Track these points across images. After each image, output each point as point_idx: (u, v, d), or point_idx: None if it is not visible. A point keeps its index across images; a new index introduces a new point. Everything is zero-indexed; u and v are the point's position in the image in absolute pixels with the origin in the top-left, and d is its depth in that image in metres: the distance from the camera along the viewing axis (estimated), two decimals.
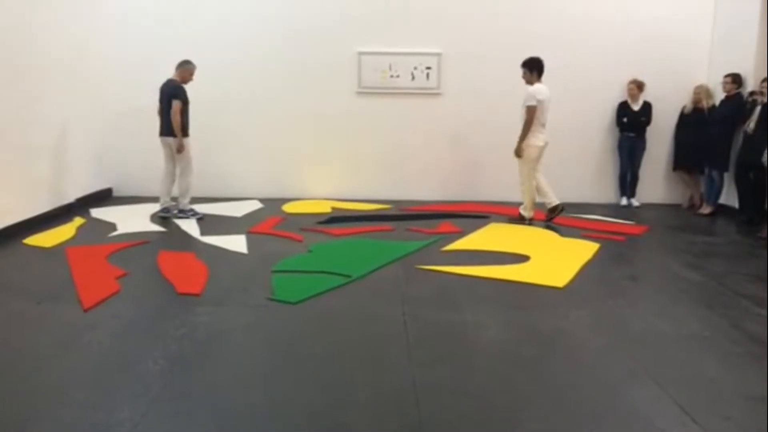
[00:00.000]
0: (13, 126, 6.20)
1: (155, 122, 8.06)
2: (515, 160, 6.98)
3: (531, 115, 6.72)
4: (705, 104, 7.79)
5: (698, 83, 7.94)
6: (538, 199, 7.11)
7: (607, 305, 4.47)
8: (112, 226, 6.59)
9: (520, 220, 7.06)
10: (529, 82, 6.85)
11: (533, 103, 6.71)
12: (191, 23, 8.03)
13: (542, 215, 7.10)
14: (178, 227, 6.63)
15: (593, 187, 8.47)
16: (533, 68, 6.82)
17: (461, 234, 6.44)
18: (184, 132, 6.90)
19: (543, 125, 6.89)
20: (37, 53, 6.58)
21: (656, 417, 2.92)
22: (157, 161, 8.21)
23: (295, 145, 8.35)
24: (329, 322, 4.08)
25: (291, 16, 8.06)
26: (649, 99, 8.11)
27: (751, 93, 7.25)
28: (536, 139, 6.84)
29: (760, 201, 6.92)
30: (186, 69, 6.91)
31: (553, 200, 7.01)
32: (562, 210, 7.00)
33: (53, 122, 6.98)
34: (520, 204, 8.01)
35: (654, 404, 3.03)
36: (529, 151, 6.82)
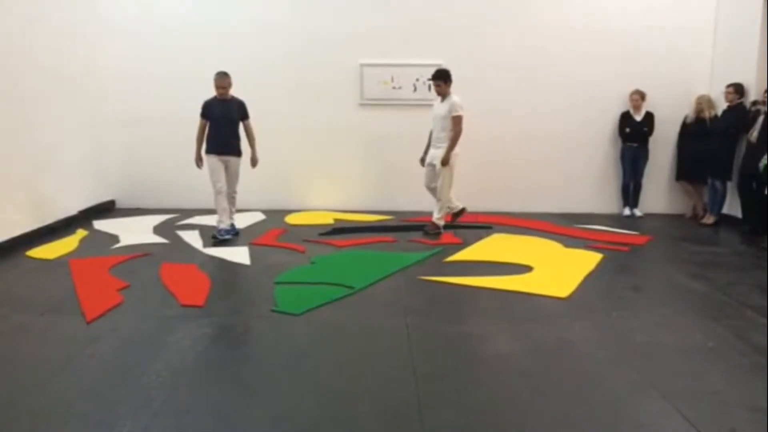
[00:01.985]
0: (17, 140, 6.23)
1: (159, 134, 8.15)
2: (438, 170, 6.79)
3: (461, 125, 6.64)
4: (707, 114, 7.80)
5: (700, 93, 7.95)
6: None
7: (611, 316, 4.45)
8: (115, 238, 6.60)
9: (434, 227, 6.93)
10: (444, 93, 6.75)
11: (462, 112, 6.64)
12: (193, 37, 8.07)
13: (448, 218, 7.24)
14: (180, 239, 6.63)
15: (596, 197, 8.47)
16: (448, 79, 6.72)
17: (464, 245, 6.43)
18: (206, 148, 6.55)
19: None
20: (41, 71, 6.63)
21: (662, 430, 2.90)
22: (160, 173, 8.28)
23: (298, 157, 8.36)
24: (332, 334, 4.07)
25: (293, 29, 8.10)
26: (651, 109, 8.11)
27: (754, 102, 7.26)
28: (458, 148, 6.77)
29: (763, 210, 6.89)
30: (214, 82, 6.54)
31: (458, 204, 7.22)
32: (463, 211, 7.30)
33: (57, 135, 7.01)
34: (521, 214, 8.05)
35: (659, 417, 3.01)
36: (455, 160, 6.77)
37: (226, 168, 6.61)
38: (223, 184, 6.58)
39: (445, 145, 6.70)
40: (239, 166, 6.74)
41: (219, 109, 6.55)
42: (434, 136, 6.89)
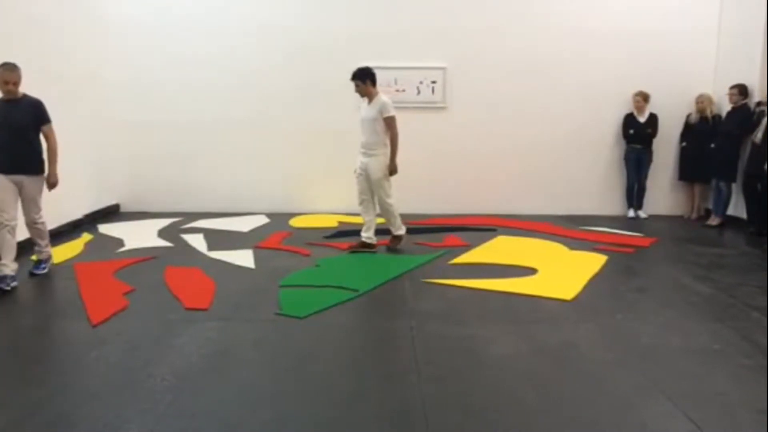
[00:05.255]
0: None
1: (164, 138, 8.11)
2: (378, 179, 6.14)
3: (396, 126, 6.03)
4: (709, 113, 7.80)
5: (699, 93, 7.93)
6: None
7: (616, 318, 4.44)
8: (120, 242, 6.62)
9: (397, 240, 6.38)
10: (367, 93, 6.07)
11: (394, 113, 6.03)
12: (197, 41, 8.09)
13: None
14: (185, 243, 6.64)
15: (600, 199, 8.45)
16: (366, 78, 6.02)
17: (468, 247, 6.42)
18: None
19: None
20: (44, 75, 6.62)
21: None
22: (165, 177, 8.30)
23: (302, 160, 8.37)
24: (337, 337, 4.07)
25: (296, 32, 8.11)
26: (655, 111, 8.10)
27: (758, 103, 7.24)
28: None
29: (767, 211, 6.87)
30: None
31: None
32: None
33: (61, 139, 7.00)
34: (525, 216, 8.01)
35: (665, 419, 3.00)
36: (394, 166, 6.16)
37: (20, 191, 5.10)
38: (11, 214, 5.01)
39: (376, 152, 6.08)
40: (39, 188, 5.22)
41: (3, 113, 5.03)
42: (363, 141, 6.17)
